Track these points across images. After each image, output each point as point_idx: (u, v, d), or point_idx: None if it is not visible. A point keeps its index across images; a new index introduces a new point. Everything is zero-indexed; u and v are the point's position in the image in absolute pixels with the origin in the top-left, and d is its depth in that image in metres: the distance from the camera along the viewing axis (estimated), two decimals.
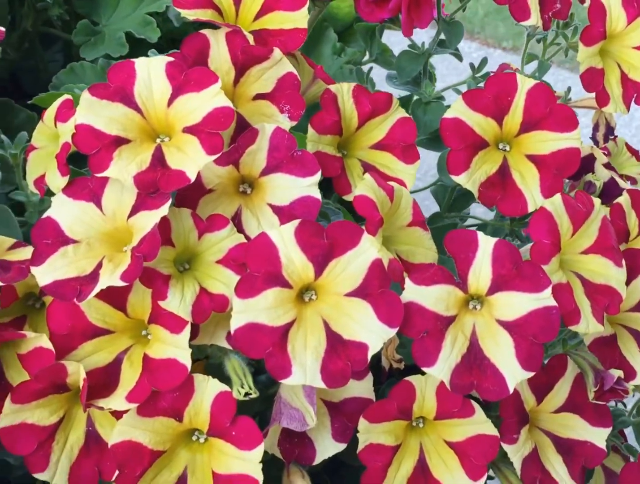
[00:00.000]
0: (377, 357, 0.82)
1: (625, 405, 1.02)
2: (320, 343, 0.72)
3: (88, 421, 0.75)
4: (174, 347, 0.72)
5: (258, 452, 0.72)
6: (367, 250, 0.72)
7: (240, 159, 0.78)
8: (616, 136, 1.02)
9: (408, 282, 0.74)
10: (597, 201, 0.80)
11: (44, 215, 0.75)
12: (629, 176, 1.10)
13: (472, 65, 1.03)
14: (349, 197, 0.84)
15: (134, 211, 0.73)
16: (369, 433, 0.79)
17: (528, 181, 0.85)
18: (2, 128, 0.94)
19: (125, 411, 0.72)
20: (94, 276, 0.72)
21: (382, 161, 0.88)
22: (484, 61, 1.03)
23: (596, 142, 1.03)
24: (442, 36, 1.03)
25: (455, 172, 0.85)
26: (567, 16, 0.96)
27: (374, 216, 0.74)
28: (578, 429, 0.85)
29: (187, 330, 0.72)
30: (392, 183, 0.80)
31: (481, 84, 1.02)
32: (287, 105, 0.82)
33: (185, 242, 0.75)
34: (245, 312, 0.71)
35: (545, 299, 0.73)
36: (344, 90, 0.86)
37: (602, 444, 0.85)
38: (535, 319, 0.73)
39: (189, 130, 0.75)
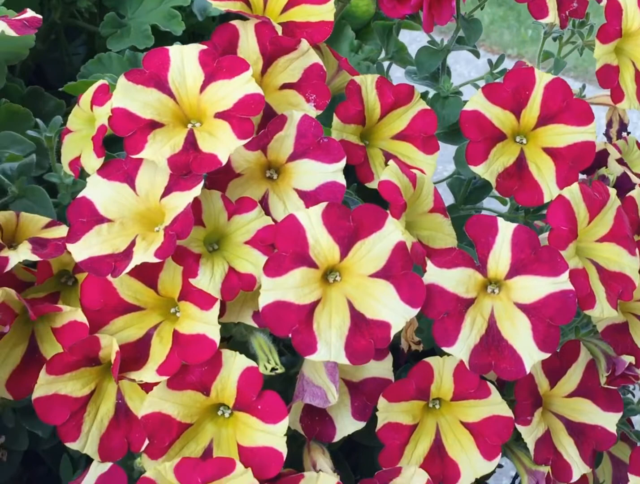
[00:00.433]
0: (395, 342, 0.85)
1: (634, 395, 1.04)
2: (344, 322, 0.75)
3: (118, 394, 0.78)
4: (204, 323, 0.75)
5: (283, 425, 0.74)
6: (391, 233, 0.75)
7: (268, 144, 0.80)
8: (629, 133, 1.05)
9: (430, 265, 0.77)
10: (612, 191, 0.83)
11: (79, 195, 0.78)
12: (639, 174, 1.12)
13: (489, 62, 1.06)
14: (371, 185, 0.87)
15: (167, 191, 0.76)
16: (388, 412, 0.81)
17: (544, 172, 0.88)
18: (23, 120, 0.97)
19: (155, 384, 0.75)
20: (127, 253, 0.74)
21: (403, 151, 0.90)
22: (501, 58, 1.06)
23: (609, 139, 1.06)
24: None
25: (473, 163, 0.87)
26: (583, 15, 0.99)
27: (398, 201, 0.77)
28: (589, 413, 0.88)
29: (217, 307, 0.74)
30: (414, 171, 0.82)
31: (498, 80, 1.05)
32: (313, 94, 0.85)
33: (215, 223, 0.77)
34: (273, 290, 0.74)
35: (562, 283, 0.76)
36: (367, 82, 0.89)
37: (613, 429, 0.87)
38: (553, 302, 0.76)
39: (220, 115, 0.78)
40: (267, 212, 0.80)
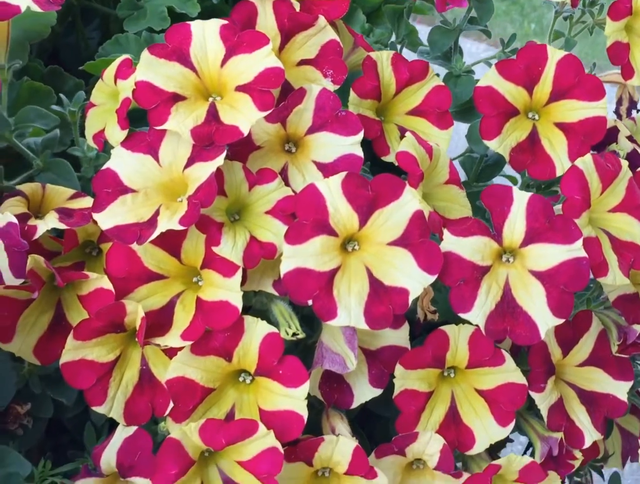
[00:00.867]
0: (410, 317, 0.87)
1: None
2: (363, 289, 0.77)
3: (142, 361, 0.79)
4: (226, 290, 0.77)
5: (304, 389, 0.76)
6: (409, 202, 0.77)
7: (287, 117, 0.82)
8: (639, 110, 1.06)
9: (446, 233, 0.79)
10: (624, 163, 0.85)
11: (104, 166, 0.79)
12: None
13: (502, 40, 1.08)
14: (388, 159, 0.89)
15: (190, 162, 0.78)
16: (405, 379, 0.83)
17: (556, 147, 0.90)
18: (46, 98, 0.99)
19: (179, 350, 0.77)
20: (152, 222, 0.76)
21: (418, 126, 0.92)
22: (513, 37, 1.08)
23: (619, 116, 1.07)
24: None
25: (487, 137, 0.89)
26: None
27: (415, 170, 0.79)
28: (601, 382, 0.89)
29: (239, 274, 0.76)
30: (430, 143, 0.84)
31: None
32: (331, 70, 0.87)
33: (237, 194, 0.79)
34: (294, 257, 0.75)
35: (576, 250, 0.78)
36: (383, 58, 0.90)
37: (624, 397, 0.89)
38: (566, 269, 0.78)
39: (241, 88, 0.79)
40: (287, 184, 0.82)
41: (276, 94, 0.85)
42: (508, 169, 1.06)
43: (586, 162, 0.82)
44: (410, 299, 0.77)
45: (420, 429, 0.84)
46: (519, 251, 0.80)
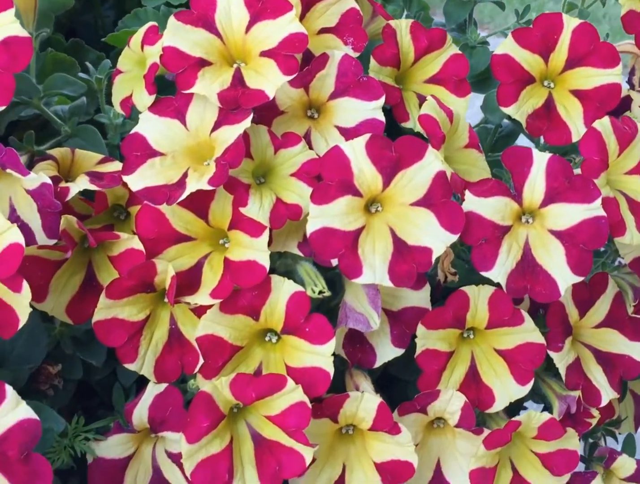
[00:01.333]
0: (430, 282, 0.88)
1: None
2: (387, 248, 0.79)
3: (171, 320, 0.81)
4: (254, 250, 0.79)
5: (330, 346, 0.78)
6: (432, 163, 0.79)
7: (310, 83, 0.84)
8: None
9: (468, 194, 0.80)
10: None
11: (132, 130, 0.81)
12: None
13: (516, 12, 1.09)
14: (407, 125, 0.91)
15: (217, 126, 0.80)
16: (426, 339, 0.85)
17: (572, 113, 0.92)
18: (70, 68, 1.00)
19: (208, 308, 0.79)
20: (180, 184, 0.78)
21: (436, 94, 0.93)
22: (527, 8, 1.09)
23: (632, 86, 1.09)
24: None
25: (504, 104, 0.91)
26: None
27: (437, 133, 0.80)
28: (617, 343, 0.92)
29: (266, 234, 0.78)
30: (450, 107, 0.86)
31: None
32: (351, 37, 0.88)
33: (262, 157, 0.81)
34: (321, 217, 0.77)
35: (595, 209, 0.79)
36: (402, 26, 0.92)
37: (639, 358, 0.91)
38: (586, 227, 0.80)
39: (265, 54, 0.81)
40: (310, 148, 0.84)
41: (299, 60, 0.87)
42: (521, 140, 1.08)
43: (604, 125, 0.83)
44: (434, 257, 0.78)
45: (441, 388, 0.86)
46: (539, 211, 0.81)
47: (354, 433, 0.85)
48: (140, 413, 0.80)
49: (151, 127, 0.81)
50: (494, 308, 0.84)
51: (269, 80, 0.80)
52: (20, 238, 0.69)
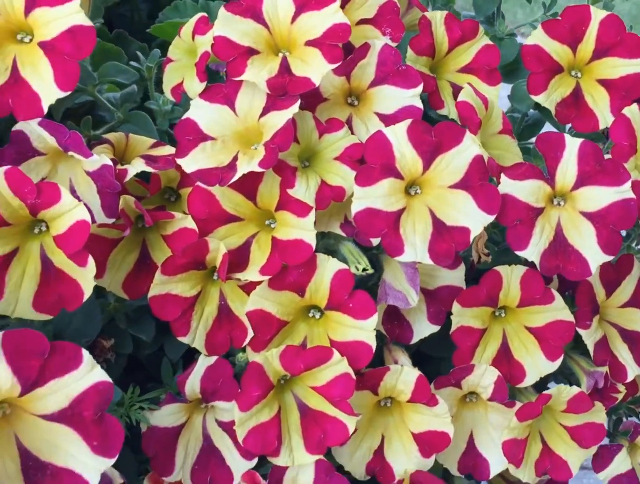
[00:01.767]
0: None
1: None
2: (427, 228, 0.83)
3: (220, 297, 0.86)
4: (300, 229, 0.83)
5: (372, 321, 0.82)
6: (470, 147, 0.83)
7: (352, 71, 0.88)
8: None
9: (503, 177, 0.84)
10: None
11: (184, 116, 0.85)
12: None
13: (544, 4, 1.13)
14: (442, 112, 0.95)
15: (265, 111, 0.84)
16: (461, 316, 0.89)
17: (599, 102, 0.96)
18: (117, 58, 1.04)
19: (256, 285, 0.83)
20: (231, 166, 0.82)
21: (469, 82, 0.98)
22: (554, 1, 1.13)
23: None
24: None
25: (534, 92, 0.95)
26: None
27: (474, 118, 0.85)
28: None
29: (312, 214, 0.82)
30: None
31: None
32: (389, 28, 0.92)
33: (308, 141, 0.85)
34: (365, 198, 0.81)
35: (625, 191, 0.84)
36: (437, 17, 0.96)
37: None
38: (616, 209, 0.84)
39: (310, 43, 0.85)
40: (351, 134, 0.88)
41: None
42: (546, 129, 1.12)
43: (633, 112, 0.88)
44: (472, 237, 0.83)
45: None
46: (570, 194, 0.85)
47: (392, 405, 0.89)
48: (193, 383, 0.84)
49: (202, 113, 0.85)
50: (526, 287, 0.89)
51: (315, 68, 0.84)
52: (86, 215, 0.73)
